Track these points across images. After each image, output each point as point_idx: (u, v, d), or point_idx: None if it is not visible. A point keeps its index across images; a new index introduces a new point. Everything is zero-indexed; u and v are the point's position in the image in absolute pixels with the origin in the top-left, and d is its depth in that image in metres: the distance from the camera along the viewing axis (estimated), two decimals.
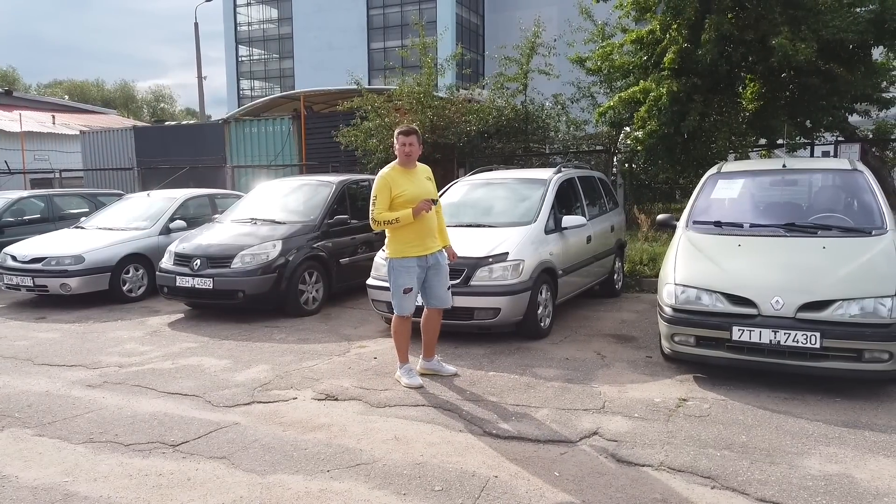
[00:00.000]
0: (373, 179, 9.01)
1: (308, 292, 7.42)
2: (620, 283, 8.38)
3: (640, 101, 10.76)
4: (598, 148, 13.65)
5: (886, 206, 5.13)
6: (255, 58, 58.46)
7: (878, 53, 10.79)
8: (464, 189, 7.44)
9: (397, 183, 4.77)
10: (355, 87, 14.34)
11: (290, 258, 7.22)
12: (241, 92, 57.16)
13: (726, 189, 5.80)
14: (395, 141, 4.85)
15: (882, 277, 4.37)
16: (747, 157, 10.70)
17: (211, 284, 7.06)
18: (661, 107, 10.30)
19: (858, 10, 9.83)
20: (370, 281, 6.38)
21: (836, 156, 10.59)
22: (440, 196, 7.43)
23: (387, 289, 6.08)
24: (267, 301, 7.18)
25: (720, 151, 10.43)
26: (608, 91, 13.05)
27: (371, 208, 4.79)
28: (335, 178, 8.53)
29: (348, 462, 3.59)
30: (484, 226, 6.60)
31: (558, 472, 3.44)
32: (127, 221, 9.21)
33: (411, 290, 4.83)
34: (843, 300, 4.29)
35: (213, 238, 7.66)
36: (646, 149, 10.97)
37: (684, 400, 4.43)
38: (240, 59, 58.35)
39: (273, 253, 7.16)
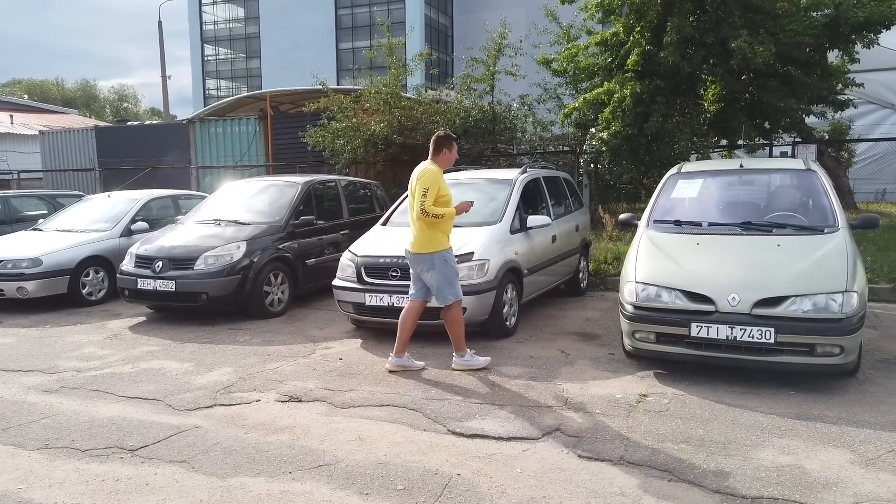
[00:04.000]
0: (340, 180, 9.15)
1: (273, 294, 7.35)
2: (585, 282, 8.48)
3: (604, 103, 10.91)
4: (565, 149, 13.80)
5: (838, 205, 5.29)
6: (221, 57, 57.67)
7: (833, 56, 11.12)
8: None
9: (443, 184, 5.09)
10: (321, 87, 14.23)
11: (255, 259, 7.15)
12: (207, 92, 56.34)
13: (686, 189, 5.92)
14: (447, 148, 5.21)
15: (833, 274, 4.50)
16: (709, 158, 10.92)
17: (173, 287, 6.95)
18: (625, 108, 10.46)
19: (815, 14, 10.13)
20: (336, 282, 6.36)
21: (793, 156, 10.87)
22: (404, 197, 7.49)
23: (353, 289, 6.14)
24: (231, 303, 7.09)
25: (682, 152, 10.63)
26: (574, 92, 13.19)
27: (422, 199, 4.95)
28: (301, 179, 8.47)
29: (311, 463, 3.58)
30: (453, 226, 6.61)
31: (520, 468, 3.47)
32: (87, 223, 9.02)
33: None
34: (797, 296, 4.41)
35: (176, 239, 7.55)
36: (610, 149, 11.12)
37: (644, 395, 4.51)
38: (206, 59, 57.51)
39: (237, 254, 7.08)
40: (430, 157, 5.30)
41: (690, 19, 10.22)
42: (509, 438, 3.85)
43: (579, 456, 3.60)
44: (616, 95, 10.59)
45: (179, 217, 8.69)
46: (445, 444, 3.80)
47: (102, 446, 3.88)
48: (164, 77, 30.08)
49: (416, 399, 4.54)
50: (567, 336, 6.24)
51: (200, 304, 6.98)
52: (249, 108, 19.22)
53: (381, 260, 6.09)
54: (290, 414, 4.32)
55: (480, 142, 13.86)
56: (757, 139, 11.01)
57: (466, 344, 5.31)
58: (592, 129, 12.52)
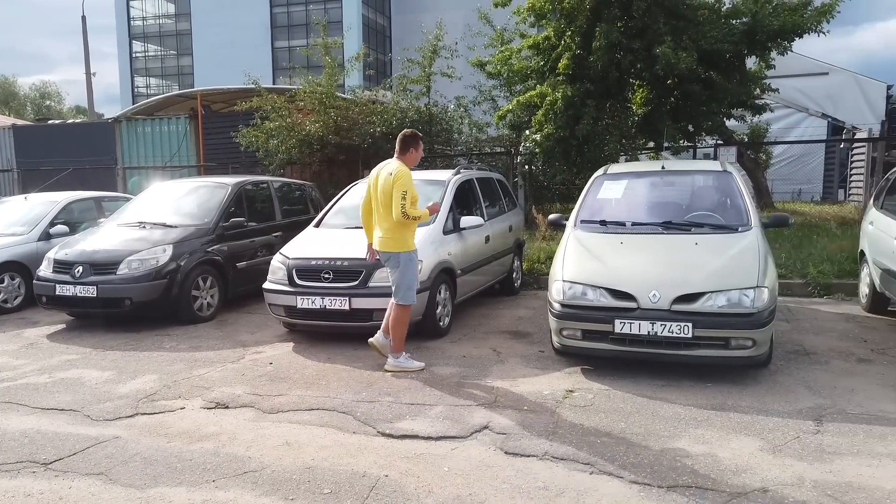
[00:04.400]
0: (272, 181, 8.99)
1: (202, 298, 7.17)
2: (519, 282, 8.61)
3: (537, 105, 11.12)
4: (500, 150, 13.97)
5: (752, 205, 5.57)
6: (150, 54, 55.70)
7: (752, 63, 11.68)
8: (363, 191, 7.40)
9: (413, 185, 5.09)
10: (254, 86, 13.96)
11: (182, 263, 6.95)
12: (136, 89, 54.30)
13: (611, 190, 6.10)
14: (414, 147, 5.26)
15: (746, 271, 4.73)
16: (637, 159, 11.28)
17: (95, 292, 6.68)
18: (557, 111, 10.69)
19: (734, 22, 10.61)
20: (267, 285, 6.26)
21: (715, 158, 11.36)
22: (339, 199, 7.45)
23: (284, 292, 6.05)
24: (157, 308, 6.87)
25: (612, 154, 10.94)
26: (508, 94, 13.39)
27: (402, 202, 4.95)
28: (231, 180, 8.29)
29: (236, 470, 3.51)
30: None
31: (448, 467, 3.51)
32: (2, 227, 8.56)
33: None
34: (712, 292, 4.61)
35: (98, 243, 7.26)
36: (543, 151, 11.34)
37: (571, 391, 4.62)
38: (134, 55, 55.41)
39: (163, 258, 6.87)
40: (396, 155, 5.30)
41: (618, 25, 10.54)
42: (438, 438, 3.88)
43: (506, 453, 3.67)
44: (548, 98, 10.81)
45: (102, 220, 8.35)
46: (375, 445, 3.80)
47: (13, 461, 3.70)
48: (89, 74, 28.82)
49: (347, 402, 4.52)
50: (500, 335, 6.32)
51: (124, 310, 6.73)
52: (179, 106, 18.64)
53: (313, 262, 6.02)
54: (216, 421, 4.23)
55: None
56: (682, 141, 11.45)
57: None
58: (527, 132, 12.73)
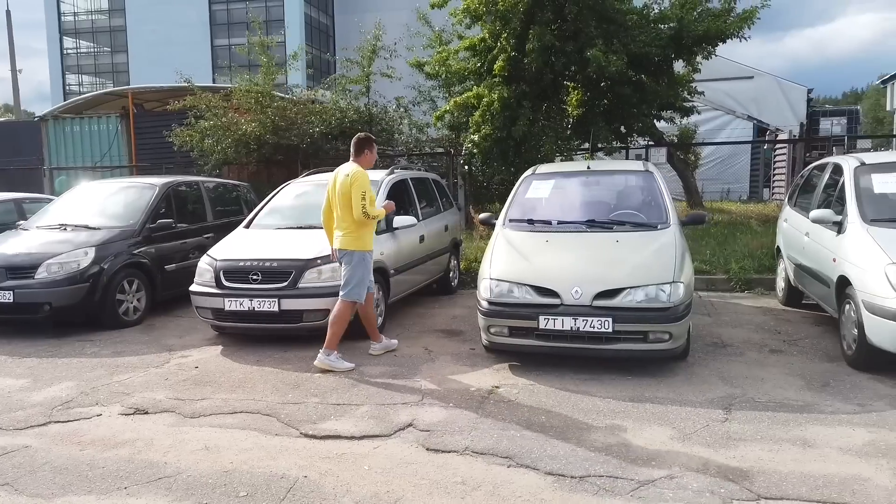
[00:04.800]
0: (203, 182, 8.79)
1: (128, 302, 6.96)
2: (456, 281, 8.68)
3: (474, 106, 11.22)
4: (440, 150, 14.04)
5: (671, 203, 5.77)
6: (83, 51, 53.59)
7: (681, 66, 12.09)
8: (296, 191, 7.35)
9: (370, 185, 5.32)
10: (186, 84, 13.63)
11: (106, 266, 6.73)
12: (67, 87, 52.12)
13: (539, 189, 6.22)
14: (368, 149, 5.46)
15: (663, 266, 4.90)
16: (572, 160, 11.51)
17: (11, 297, 6.40)
18: (494, 112, 10.82)
19: (662, 27, 10.95)
20: (194, 287, 6.13)
21: (647, 158, 11.71)
22: (270, 199, 7.35)
23: (211, 294, 5.94)
24: (79, 313, 6.64)
25: (548, 154, 11.13)
26: (447, 95, 13.47)
27: (362, 202, 5.17)
28: (160, 180, 8.07)
29: (149, 477, 3.43)
30: (315, 227, 6.54)
31: (368, 465, 3.52)
32: None
33: (371, 278, 5.46)
34: (631, 288, 4.77)
35: (16, 246, 6.95)
36: (481, 151, 11.45)
37: (497, 387, 4.70)
38: (65, 52, 53.19)
39: (85, 261, 6.63)
40: (352, 158, 5.46)
41: (552, 28, 10.73)
42: (361, 437, 3.89)
43: (428, 449, 3.70)
44: (485, 99, 10.93)
45: (22, 222, 8.00)
46: (297, 447, 3.78)
47: None
48: (14, 71, 27.59)
49: (272, 404, 4.47)
50: (433, 333, 6.36)
51: (43, 315, 6.47)
52: (110, 105, 17.99)
53: (241, 263, 5.94)
54: (134, 427, 4.12)
55: None
56: (614, 142, 11.75)
57: (321, 347, 5.29)
58: (466, 132, 12.83)
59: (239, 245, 6.33)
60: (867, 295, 4.58)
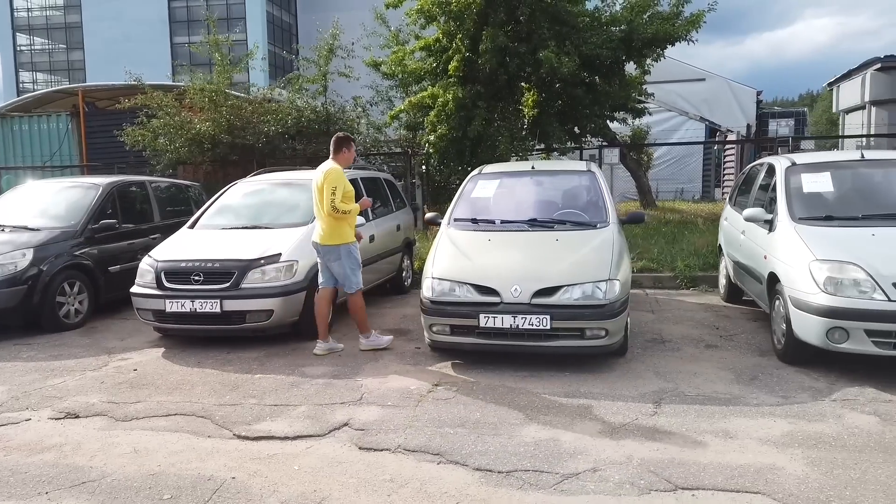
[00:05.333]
0: (150, 181, 8.64)
1: (69, 304, 6.81)
2: (409, 280, 8.69)
3: (429, 106, 11.25)
4: (398, 150, 14.04)
5: (611, 203, 5.88)
6: (37, 48, 52.14)
7: (633, 68, 12.28)
8: (243, 191, 7.29)
9: (347, 182, 5.56)
10: (136, 83, 13.39)
11: (45, 268, 6.57)
12: (21, 85, 50.66)
13: (484, 189, 6.28)
14: (346, 147, 5.70)
15: (599, 264, 5.00)
16: (527, 160, 11.61)
17: None
18: (449, 112, 10.86)
19: (613, 29, 11.12)
20: (135, 288, 6.03)
21: (600, 159, 11.89)
22: (216, 199, 7.27)
23: (152, 296, 5.85)
24: (16, 316, 6.47)
25: (503, 154, 11.21)
26: (404, 95, 13.46)
27: (332, 197, 5.37)
28: (104, 180, 7.90)
29: (73, 481, 3.38)
30: (261, 227, 6.51)
31: (298, 465, 3.51)
32: None
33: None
34: (568, 285, 4.84)
35: None
36: (437, 151, 11.48)
37: (437, 385, 4.73)
38: (18, 49, 51.70)
39: (23, 262, 6.47)
40: (331, 156, 5.69)
41: (506, 29, 10.81)
42: (295, 437, 3.88)
43: (360, 448, 3.71)
44: (440, 99, 10.95)
45: None
46: (228, 448, 3.75)
47: None
48: None
49: (207, 406, 4.43)
50: (381, 333, 6.35)
51: None
52: (61, 103, 17.56)
53: (183, 264, 5.86)
54: (62, 431, 4.04)
55: (315, 142, 13.73)
56: (568, 143, 11.90)
57: (265, 348, 5.27)
58: (421, 132, 12.85)
59: (181, 245, 6.25)
60: (793, 291, 4.74)
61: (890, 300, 4.25)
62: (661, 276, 8.39)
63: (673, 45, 10.92)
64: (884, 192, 5.42)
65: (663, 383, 4.64)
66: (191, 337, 6.13)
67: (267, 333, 5.91)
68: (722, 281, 7.44)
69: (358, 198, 7.33)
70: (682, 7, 10.87)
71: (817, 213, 5.17)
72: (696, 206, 13.37)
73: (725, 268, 7.21)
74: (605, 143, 12.29)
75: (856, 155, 5.75)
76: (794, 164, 5.74)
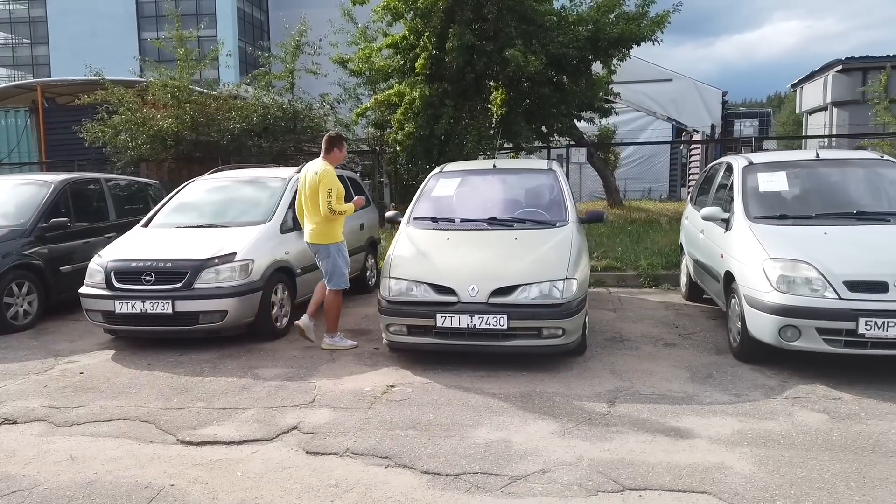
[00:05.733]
0: (106, 179, 8.42)
1: (17, 305, 6.58)
2: (374, 280, 8.59)
3: (396, 104, 11.16)
4: (365, 148, 13.92)
5: (571, 201, 5.86)
6: (0, 42, 50.81)
7: (600, 68, 12.32)
8: (200, 188, 7.13)
9: (338, 182, 5.55)
10: (96, 78, 13.08)
11: None
12: None
13: (445, 187, 6.21)
14: (338, 147, 5.67)
15: (557, 263, 4.96)
16: (494, 158, 11.59)
17: None
18: (416, 110, 10.78)
19: (580, 28, 11.14)
20: (84, 289, 5.85)
21: (567, 158, 11.91)
22: (172, 197, 7.10)
23: (101, 296, 5.68)
24: None
25: (471, 153, 11.17)
26: (372, 93, 13.35)
27: (329, 199, 5.39)
28: (56, 178, 7.67)
29: (2, 491, 3.23)
30: (217, 226, 6.37)
31: (241, 471, 3.41)
32: None
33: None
34: (525, 284, 4.80)
35: None
36: (404, 150, 11.40)
37: (392, 386, 4.65)
38: None
39: None
40: (321, 155, 5.66)
41: (473, 27, 10.76)
42: (241, 442, 3.77)
43: (307, 452, 3.62)
44: (406, 97, 10.87)
45: None
46: (170, 454, 3.64)
47: None
48: None
49: (153, 410, 4.30)
50: (341, 333, 6.25)
51: None
52: (20, 98, 17.11)
53: (133, 264, 5.70)
54: None
55: (281, 139, 13.56)
56: (536, 142, 11.90)
57: (220, 349, 5.14)
58: (388, 130, 12.75)
59: (133, 245, 6.08)
60: (748, 289, 4.76)
61: (840, 298, 4.28)
62: (625, 274, 8.42)
63: (639, 44, 10.98)
64: (837, 191, 5.48)
65: (619, 382, 4.62)
66: (143, 339, 5.97)
67: (222, 335, 5.77)
68: (683, 279, 7.48)
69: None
70: (648, 8, 10.93)
71: (772, 212, 5.20)
72: (661, 205, 13.48)
73: (686, 266, 7.24)
74: (572, 143, 12.32)
75: (811, 155, 5.81)
76: (751, 163, 5.78)
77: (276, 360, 5.37)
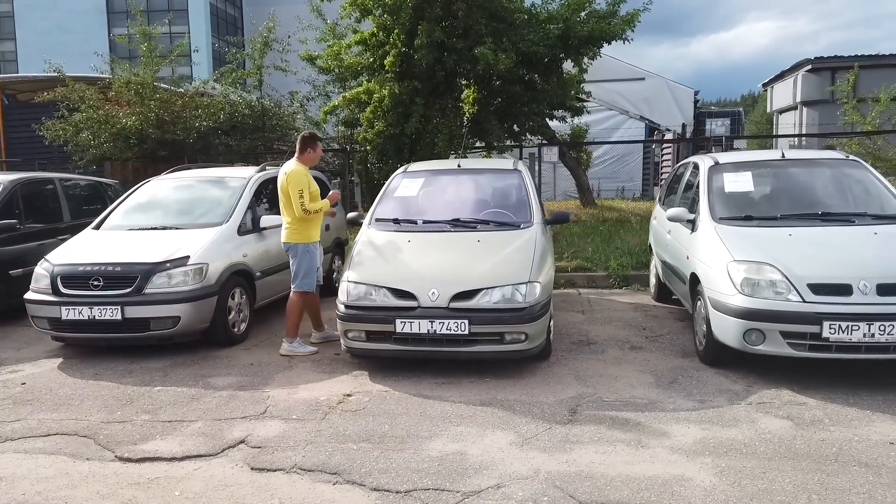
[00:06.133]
0: (60, 179, 8.12)
1: None
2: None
3: (365, 102, 10.95)
4: (335, 147, 13.70)
5: (536, 202, 5.73)
6: None
7: (572, 67, 12.22)
8: (156, 189, 6.89)
9: (311, 180, 5.51)
10: (56, 74, 12.70)
11: None
12: None
13: (408, 187, 6.04)
14: (311, 147, 5.57)
15: (520, 266, 4.82)
16: (466, 157, 11.44)
17: None
18: (385, 108, 10.58)
19: (551, 27, 11.02)
20: (29, 294, 5.59)
21: (539, 156, 11.80)
22: (125, 198, 6.86)
23: (47, 302, 5.42)
24: None
25: (442, 152, 11.00)
26: (343, 91, 13.11)
27: (301, 200, 5.35)
28: (5, 178, 7.35)
29: None
30: (171, 228, 6.14)
31: (180, 491, 3.22)
32: None
33: (319, 268, 5.65)
34: (487, 289, 4.65)
35: None
36: (375, 148, 11.20)
37: (348, 395, 4.48)
38: None
39: None
40: (295, 156, 5.58)
41: (443, 24, 10.59)
42: (183, 458, 3.58)
43: (252, 469, 3.44)
44: (376, 95, 10.67)
45: None
46: (106, 472, 3.43)
47: None
48: None
49: (94, 423, 4.08)
50: (303, 338, 6.04)
51: None
52: None
53: (81, 268, 5.45)
54: None
55: (249, 138, 13.27)
56: (508, 141, 11.77)
57: (173, 356, 4.93)
58: (358, 128, 12.54)
59: (82, 248, 5.83)
60: (712, 292, 4.67)
61: (804, 301, 4.20)
62: (595, 275, 8.33)
63: (609, 43, 10.89)
64: (803, 191, 5.42)
65: (583, 388, 4.50)
66: (93, 346, 5.73)
67: (175, 341, 5.55)
68: (652, 280, 7.40)
69: (274, 201, 7.09)
70: (619, 6, 10.85)
71: (738, 213, 5.13)
72: (634, 204, 13.45)
73: (655, 267, 7.17)
74: (544, 142, 12.21)
75: (777, 155, 5.75)
76: (717, 163, 5.70)
77: (230, 369, 5.17)
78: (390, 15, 10.49)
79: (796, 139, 15.45)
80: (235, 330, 5.91)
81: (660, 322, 6.35)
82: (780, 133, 18.49)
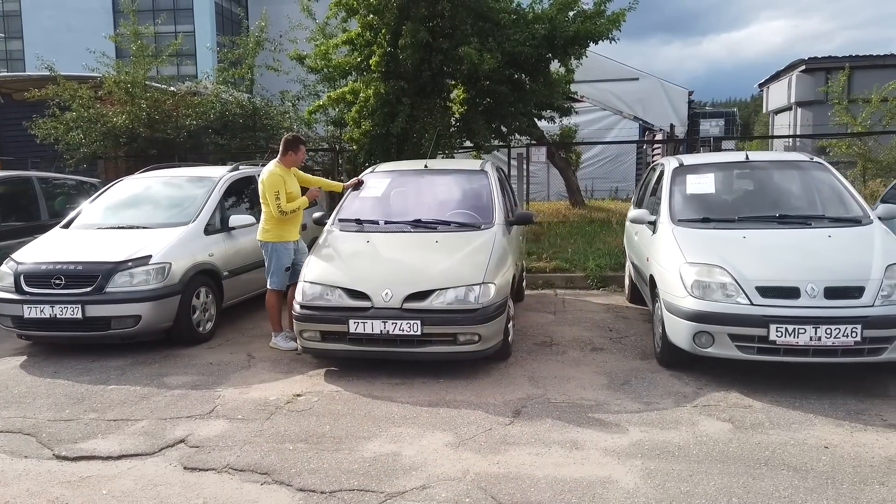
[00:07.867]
0: (38, 177, 8.17)
1: None
2: None
3: (351, 102, 10.96)
4: (324, 146, 13.72)
5: (500, 203, 5.70)
6: None
7: (560, 67, 12.18)
8: (127, 188, 6.92)
9: (289, 181, 5.60)
10: (49, 72, 12.79)
11: None
12: None
13: (374, 188, 6.04)
14: (293, 150, 5.64)
15: (475, 267, 4.81)
16: (453, 157, 11.44)
17: None
18: (371, 108, 10.58)
19: (537, 26, 10.98)
20: None
21: (527, 157, 11.77)
22: (97, 197, 6.89)
23: (10, 301, 5.46)
24: None
25: (427, 152, 10.99)
26: (332, 90, 13.12)
27: (277, 202, 5.45)
28: None
29: None
30: (138, 227, 6.16)
31: (107, 490, 3.24)
32: None
33: (290, 268, 5.66)
34: (441, 289, 4.65)
35: None
36: (361, 148, 11.20)
37: (298, 395, 4.49)
38: None
39: None
40: (277, 158, 5.68)
41: (429, 24, 10.57)
42: (119, 457, 3.60)
43: (185, 468, 3.45)
44: (362, 95, 10.68)
45: None
46: (40, 471, 3.45)
47: None
48: None
49: (40, 421, 4.11)
50: (266, 338, 6.04)
51: None
52: None
53: (44, 267, 5.49)
54: None
55: (240, 137, 13.31)
56: (495, 141, 11.74)
57: (134, 356, 4.95)
58: (346, 128, 12.55)
59: (48, 247, 5.87)
60: (667, 294, 4.65)
61: (752, 304, 4.17)
62: (574, 276, 8.30)
63: (596, 43, 10.83)
64: (763, 194, 5.38)
65: (533, 390, 4.49)
66: (57, 345, 5.77)
67: (136, 340, 5.58)
68: (626, 282, 7.37)
69: (243, 200, 7.12)
70: (605, 6, 10.80)
71: (696, 215, 5.10)
72: (624, 204, 13.38)
73: (628, 268, 7.14)
74: (533, 142, 12.18)
75: (740, 156, 5.71)
76: (681, 164, 5.67)
77: (189, 368, 5.19)
78: (375, 15, 10.49)
79: (791, 140, 15.33)
80: (200, 329, 5.92)
81: (628, 323, 6.32)
82: (773, 134, 18.35)
